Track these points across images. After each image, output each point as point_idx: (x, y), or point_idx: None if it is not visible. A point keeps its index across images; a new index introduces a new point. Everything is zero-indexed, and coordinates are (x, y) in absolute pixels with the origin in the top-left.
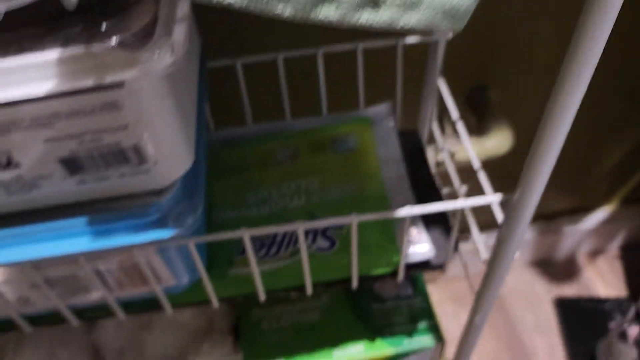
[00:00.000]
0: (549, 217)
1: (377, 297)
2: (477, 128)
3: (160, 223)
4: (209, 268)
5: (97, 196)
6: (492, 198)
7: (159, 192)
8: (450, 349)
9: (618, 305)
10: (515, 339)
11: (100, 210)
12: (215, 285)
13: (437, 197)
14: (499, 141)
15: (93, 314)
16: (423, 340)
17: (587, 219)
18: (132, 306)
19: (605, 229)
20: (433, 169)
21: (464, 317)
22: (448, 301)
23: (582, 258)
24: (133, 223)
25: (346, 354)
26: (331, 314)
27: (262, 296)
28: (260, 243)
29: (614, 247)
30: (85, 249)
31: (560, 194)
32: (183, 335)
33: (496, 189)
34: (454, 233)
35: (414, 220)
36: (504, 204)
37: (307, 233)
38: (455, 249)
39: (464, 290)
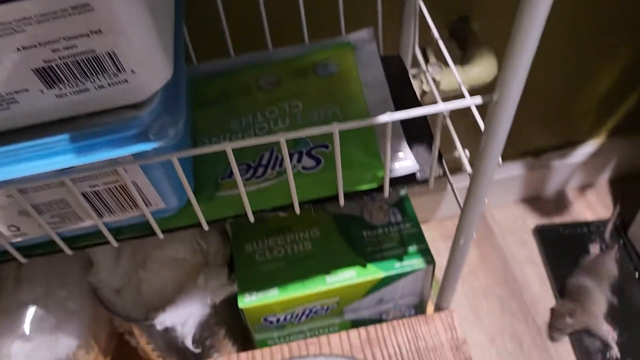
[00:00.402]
0: (536, 153)
1: (368, 225)
2: (461, 58)
3: (141, 136)
4: (197, 192)
5: (78, 112)
6: (471, 100)
7: (139, 106)
8: None
9: (598, 228)
10: (509, 273)
11: (82, 127)
12: (204, 208)
13: (424, 118)
14: (483, 69)
15: (86, 242)
16: (414, 263)
17: (575, 154)
18: (123, 232)
19: (594, 162)
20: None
21: None
22: (440, 239)
23: (571, 192)
24: (115, 137)
25: (339, 280)
26: (323, 244)
27: (251, 217)
28: (246, 166)
29: (603, 180)
30: (67, 165)
31: (546, 129)
32: (179, 272)
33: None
34: (437, 143)
35: (397, 135)
36: (484, 107)
37: (292, 154)
38: (440, 163)
39: (454, 228)
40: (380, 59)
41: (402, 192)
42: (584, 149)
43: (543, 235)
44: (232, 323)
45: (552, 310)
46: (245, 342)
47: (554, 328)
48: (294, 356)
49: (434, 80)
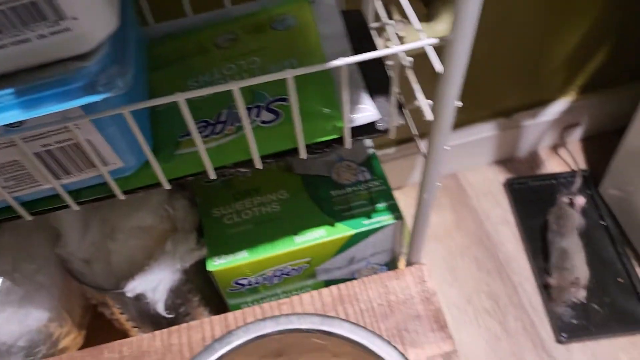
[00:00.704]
0: (508, 113)
1: (336, 185)
2: (426, 16)
3: (89, 88)
4: (156, 151)
5: (21, 65)
6: (426, 41)
7: (85, 56)
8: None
9: (566, 179)
10: (483, 233)
11: (27, 81)
12: (164, 167)
13: (382, 68)
14: (448, 25)
15: (45, 206)
16: (382, 220)
17: (546, 112)
18: (84, 195)
19: (565, 120)
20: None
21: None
22: (415, 204)
23: (543, 151)
24: (61, 90)
25: (308, 239)
26: (291, 205)
27: (212, 173)
28: (205, 123)
29: (575, 138)
30: (12, 120)
31: (517, 89)
32: (148, 239)
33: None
34: (394, 89)
35: (357, 86)
36: (440, 49)
37: (251, 108)
38: (401, 112)
39: None
40: (340, 13)
41: (370, 150)
42: (555, 108)
43: (513, 188)
44: (206, 290)
45: (551, 287)
46: (220, 309)
47: (560, 302)
48: (267, 317)
49: (398, 36)
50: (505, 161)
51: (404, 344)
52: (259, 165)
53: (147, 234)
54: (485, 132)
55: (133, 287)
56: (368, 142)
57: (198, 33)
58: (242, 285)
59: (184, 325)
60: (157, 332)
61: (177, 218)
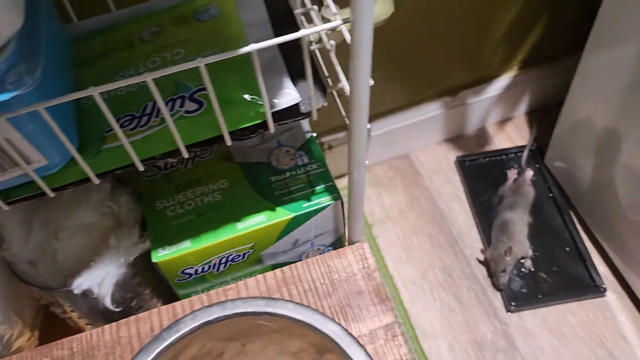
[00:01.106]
0: (453, 91)
1: (276, 170)
2: None
3: None
4: (83, 147)
5: None
6: (337, 22)
7: None
8: (378, 229)
9: (515, 154)
10: (436, 210)
11: None
12: (91, 162)
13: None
14: (378, 7)
15: None
16: (321, 201)
17: (490, 89)
18: (13, 194)
19: (509, 95)
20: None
21: (385, 198)
22: (369, 186)
23: (491, 127)
24: None
25: (249, 225)
26: (232, 193)
27: (139, 165)
28: (130, 117)
29: (520, 112)
30: None
31: (459, 68)
32: (92, 236)
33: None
34: (308, 71)
35: (279, 71)
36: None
37: (175, 99)
38: (324, 94)
39: (382, 174)
40: (265, 1)
41: (308, 134)
42: (498, 84)
43: (464, 165)
44: (156, 283)
45: (487, 260)
46: (172, 300)
47: (498, 273)
48: (213, 303)
49: (325, 20)
50: (454, 139)
51: (347, 319)
52: (185, 154)
53: (91, 231)
54: (432, 111)
55: (79, 284)
56: (306, 126)
57: (124, 28)
58: (189, 274)
59: (132, 317)
60: (106, 326)
61: (121, 213)
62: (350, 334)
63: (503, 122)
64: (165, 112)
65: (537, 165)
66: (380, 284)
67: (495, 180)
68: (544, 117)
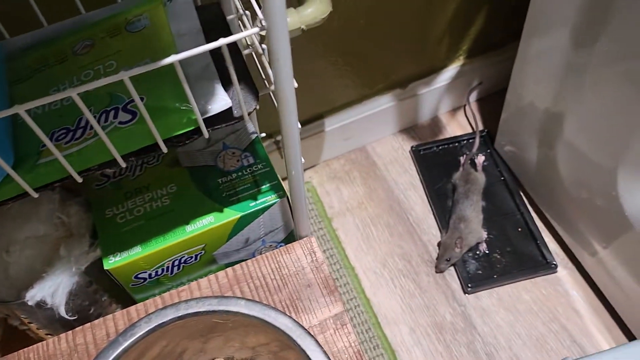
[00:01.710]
0: (402, 84)
1: (222, 172)
2: (298, 1)
3: None
4: (19, 163)
5: None
6: (252, 30)
7: None
8: (338, 221)
9: (467, 141)
10: (394, 200)
11: None
12: (28, 177)
13: (240, 59)
14: (316, 8)
15: None
16: (267, 200)
17: (439, 79)
18: None
19: (458, 85)
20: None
21: (344, 191)
22: (328, 181)
23: (443, 117)
24: None
25: (198, 227)
26: (180, 197)
27: (77, 177)
28: (65, 130)
29: (471, 100)
30: None
31: (407, 60)
32: (44, 248)
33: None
34: (233, 78)
35: (210, 78)
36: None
37: (109, 110)
38: (256, 98)
39: (339, 168)
40: (197, 8)
41: (253, 135)
42: (447, 74)
43: (419, 154)
44: (113, 289)
45: (440, 244)
46: (131, 305)
47: (443, 260)
48: (167, 305)
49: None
50: (409, 129)
51: (298, 312)
52: (122, 164)
53: (43, 242)
54: (385, 104)
55: (32, 295)
56: (251, 127)
57: (57, 42)
58: (143, 279)
59: (87, 324)
60: (62, 335)
61: (71, 224)
62: (301, 326)
63: (455, 110)
64: (95, 124)
65: (488, 150)
66: (329, 276)
67: (449, 167)
68: (494, 103)
